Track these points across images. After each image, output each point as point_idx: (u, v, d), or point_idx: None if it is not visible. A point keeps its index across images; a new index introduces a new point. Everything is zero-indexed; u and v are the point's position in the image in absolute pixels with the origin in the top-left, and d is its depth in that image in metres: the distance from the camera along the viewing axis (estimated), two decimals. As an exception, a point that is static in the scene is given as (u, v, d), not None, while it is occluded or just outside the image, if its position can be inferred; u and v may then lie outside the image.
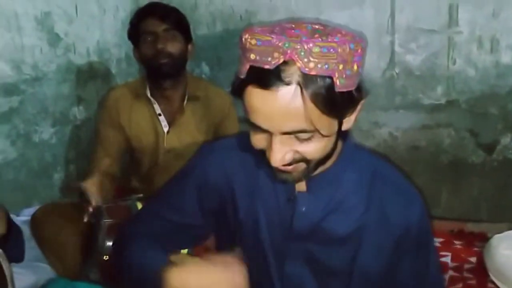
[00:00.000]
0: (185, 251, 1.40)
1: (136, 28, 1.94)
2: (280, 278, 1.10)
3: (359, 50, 0.88)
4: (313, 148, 0.91)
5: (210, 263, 0.95)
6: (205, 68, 2.84)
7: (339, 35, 0.87)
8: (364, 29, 2.34)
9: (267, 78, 0.85)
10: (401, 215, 1.04)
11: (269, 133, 0.90)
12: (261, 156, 0.98)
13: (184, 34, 1.95)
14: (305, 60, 0.83)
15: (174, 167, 1.25)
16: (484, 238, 1.99)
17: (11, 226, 1.16)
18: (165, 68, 1.90)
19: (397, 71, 2.42)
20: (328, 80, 0.85)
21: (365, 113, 2.47)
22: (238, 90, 0.91)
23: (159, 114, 1.99)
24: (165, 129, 1.99)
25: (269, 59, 0.84)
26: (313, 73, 0.84)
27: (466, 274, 1.87)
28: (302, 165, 0.94)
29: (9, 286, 1.08)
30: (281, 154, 0.90)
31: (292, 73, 0.84)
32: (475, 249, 2.01)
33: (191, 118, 2.00)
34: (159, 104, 1.99)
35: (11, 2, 2.08)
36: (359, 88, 0.92)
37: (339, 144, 1.02)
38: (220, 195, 1.11)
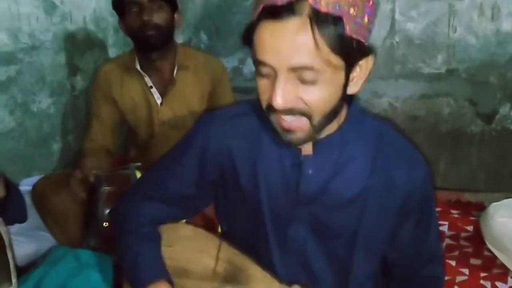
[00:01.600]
0: (183, 220, 1.41)
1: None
2: (280, 243, 1.11)
3: (371, 3, 0.90)
4: (317, 96, 0.91)
5: None
6: (204, 37, 2.82)
7: None
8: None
9: (279, 10, 0.86)
10: (406, 179, 1.05)
11: (275, 74, 0.90)
12: (265, 121, 0.99)
13: (170, 3, 1.90)
14: None
15: (171, 137, 1.26)
16: (481, 208, 2.00)
17: (10, 188, 1.17)
18: (152, 40, 1.86)
19: (397, 40, 2.40)
20: (339, 21, 0.86)
21: (365, 83, 2.48)
22: (250, 31, 0.92)
23: (151, 87, 1.97)
24: (158, 101, 1.98)
25: None
26: (324, 10, 0.85)
27: (462, 242, 1.90)
28: (306, 123, 0.94)
29: (7, 252, 1.09)
30: (284, 94, 0.90)
31: (304, 7, 0.86)
32: (472, 218, 2.02)
33: (183, 87, 1.97)
34: (150, 77, 1.96)
35: (6, -30, 2.05)
36: (370, 48, 0.93)
37: (345, 108, 1.03)
38: (221, 165, 1.12)
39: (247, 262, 1.13)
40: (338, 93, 0.94)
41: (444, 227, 1.98)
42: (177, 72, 1.96)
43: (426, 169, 1.08)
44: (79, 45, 2.42)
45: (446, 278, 1.60)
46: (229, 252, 1.14)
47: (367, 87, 2.41)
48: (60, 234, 1.75)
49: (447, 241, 1.90)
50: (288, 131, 0.95)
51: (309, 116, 0.93)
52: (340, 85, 0.93)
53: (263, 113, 0.99)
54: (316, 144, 1.04)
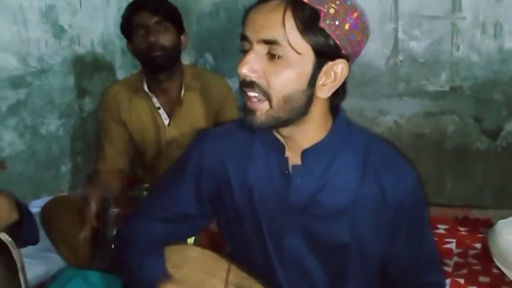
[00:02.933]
0: (191, 239, 1.42)
1: (128, 22, 1.93)
2: (278, 254, 1.12)
3: (355, 15, 0.97)
4: (279, 75, 0.96)
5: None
6: (209, 58, 2.85)
7: None
8: (368, 17, 2.35)
9: None
10: (396, 187, 1.06)
11: (250, 50, 0.97)
12: (257, 133, 1.07)
13: (176, 25, 1.94)
14: None
15: (177, 157, 1.27)
16: (489, 224, 1.99)
17: (22, 210, 1.18)
18: (159, 61, 1.89)
19: (401, 58, 2.42)
20: (315, 11, 0.94)
21: (369, 101, 2.51)
22: (243, 17, 1.00)
23: (158, 108, 2.00)
24: (166, 122, 2.00)
25: None
26: (305, 0, 0.95)
27: (471, 260, 1.89)
28: (266, 105, 0.98)
29: (20, 274, 1.10)
30: (250, 64, 0.96)
31: None
32: (480, 235, 2.02)
33: (190, 108, 2.00)
34: (157, 97, 2.00)
35: (17, -4, 2.10)
36: (345, 56, 0.98)
37: (330, 118, 1.07)
38: (216, 181, 1.15)
39: (256, 285, 1.14)
40: (300, 83, 0.98)
41: (452, 245, 1.97)
42: (184, 93, 1.99)
43: (414, 176, 1.10)
44: (87, 67, 2.46)
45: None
46: (238, 275, 1.15)
47: (372, 105, 2.48)
48: (69, 255, 1.76)
49: (455, 258, 1.90)
50: (251, 111, 1.00)
51: (268, 96, 0.98)
52: (305, 76, 0.98)
53: None
54: (304, 154, 1.06)
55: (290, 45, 0.94)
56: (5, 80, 2.07)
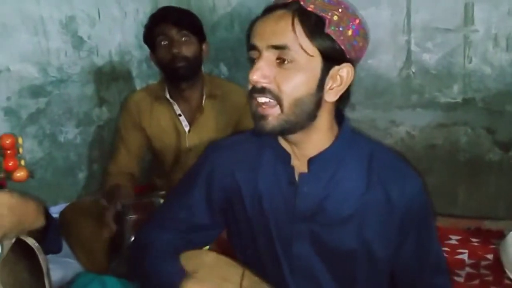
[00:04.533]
0: (206, 247, 1.45)
1: (151, 33, 1.98)
2: (288, 261, 1.15)
3: (357, 21, 1.02)
4: (289, 79, 1.00)
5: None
6: (224, 69, 2.89)
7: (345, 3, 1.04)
8: (380, 29, 2.38)
9: (271, 7, 1.03)
10: (401, 193, 1.09)
11: (260, 57, 1.01)
12: (263, 143, 1.12)
13: (198, 35, 1.99)
14: (309, 2, 1.00)
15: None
16: (502, 236, 1.99)
17: (49, 218, 1.21)
18: (181, 71, 1.94)
19: (413, 70, 2.44)
20: (321, 20, 1.00)
21: (382, 112, 2.53)
22: (248, 29, 1.05)
23: (179, 115, 2.04)
24: (186, 129, 2.05)
25: (280, 1, 1.03)
26: (309, 9, 1.00)
27: (483, 271, 1.88)
28: (277, 110, 1.01)
29: (45, 279, 1.13)
30: (261, 71, 1.00)
31: (293, 4, 1.01)
32: (492, 246, 2.02)
33: (210, 116, 2.05)
34: (179, 105, 2.04)
35: (37, 7, 2.16)
36: (350, 61, 1.03)
37: (335, 126, 1.11)
38: (227, 191, 1.18)
39: (270, 291, 1.17)
40: (310, 87, 1.01)
41: (464, 255, 1.97)
42: (205, 101, 2.03)
43: (419, 182, 1.12)
44: (105, 77, 2.51)
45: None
46: (252, 281, 1.17)
47: (384, 116, 2.49)
48: (86, 261, 1.79)
49: (467, 269, 1.90)
50: (262, 116, 1.03)
51: (279, 101, 1.01)
52: (314, 80, 1.01)
53: (263, 136, 1.09)
54: (310, 162, 1.09)
55: (301, 48, 0.99)
56: (26, 89, 2.13)
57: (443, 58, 2.38)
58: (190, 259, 1.18)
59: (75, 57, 2.34)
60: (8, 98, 2.07)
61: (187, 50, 1.93)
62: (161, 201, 1.68)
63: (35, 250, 1.11)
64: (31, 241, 1.11)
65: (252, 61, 1.04)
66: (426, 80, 2.43)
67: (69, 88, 2.32)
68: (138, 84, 2.67)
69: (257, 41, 1.01)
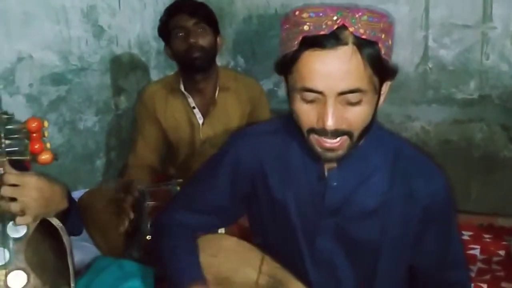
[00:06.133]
0: (222, 230, 1.48)
1: (167, 25, 2.00)
2: (310, 254, 1.17)
3: (392, 28, 1.00)
4: (360, 115, 0.99)
5: None
6: (240, 61, 2.92)
7: (378, 11, 0.99)
8: (398, 24, 2.36)
9: (325, 39, 0.94)
10: (425, 189, 1.10)
11: (321, 101, 0.97)
12: (292, 137, 1.10)
13: (213, 27, 2.01)
14: (356, 26, 0.94)
15: (210, 155, 1.34)
16: (514, 233, 2.02)
17: (71, 202, 1.25)
18: (198, 62, 1.96)
19: (430, 66, 2.45)
20: (374, 45, 0.95)
21: (397, 107, 2.53)
22: (290, 61, 0.98)
23: (193, 107, 2.06)
24: (200, 121, 2.07)
25: (323, 26, 0.94)
26: (364, 37, 0.95)
27: (494, 267, 1.90)
28: (346, 140, 1.01)
29: (68, 258, 1.16)
30: (335, 117, 0.97)
31: (347, 35, 0.94)
32: (504, 242, 2.03)
33: (224, 108, 2.07)
34: (193, 97, 2.06)
35: (60, -4, 2.20)
36: (395, 68, 1.02)
37: None
38: (252, 178, 1.19)
39: (288, 277, 1.19)
40: (373, 110, 1.02)
41: (476, 251, 1.99)
42: (218, 94, 2.06)
43: (443, 180, 1.13)
44: (123, 67, 2.55)
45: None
46: (271, 266, 1.20)
47: (400, 111, 2.50)
48: (103, 245, 1.83)
49: (479, 264, 1.92)
50: (330, 150, 1.02)
51: (350, 136, 1.01)
52: (375, 102, 1.02)
53: (292, 130, 1.08)
54: (340, 158, 1.10)
55: (368, 86, 0.97)
56: (47, 77, 2.17)
57: (460, 54, 2.39)
58: (210, 243, 1.22)
59: (95, 46, 2.37)
60: (30, 85, 2.11)
61: (203, 40, 1.96)
62: (178, 188, 1.72)
63: (60, 230, 1.15)
64: (55, 222, 1.15)
65: (303, 98, 0.99)
66: (442, 76, 2.43)
67: (89, 76, 2.35)
68: (156, 75, 2.70)
69: (322, 87, 0.96)
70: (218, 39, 2.04)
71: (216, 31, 2.03)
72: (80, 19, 2.29)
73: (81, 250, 1.86)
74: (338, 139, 1.00)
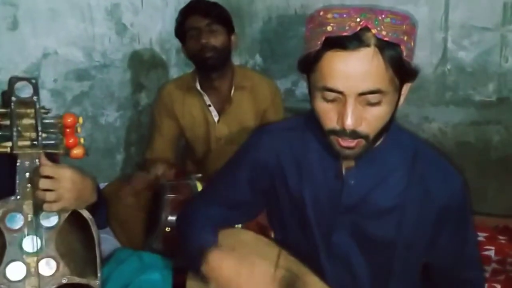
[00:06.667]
0: (238, 226, 1.51)
1: (182, 26, 2.06)
2: (326, 249, 1.19)
3: (415, 30, 1.01)
4: (379, 115, 1.01)
5: (246, 258, 1.12)
6: (259, 60, 2.94)
7: (401, 13, 1.00)
8: (418, 26, 2.39)
9: (348, 41, 0.96)
10: (442, 190, 1.12)
11: (341, 101, 0.99)
12: (312, 135, 1.12)
13: (226, 27, 2.04)
14: (379, 28, 0.95)
15: (226, 152, 1.38)
16: (529, 235, 2.02)
17: (100, 195, 1.29)
18: (210, 61, 2.01)
19: (448, 67, 2.45)
20: (396, 47, 0.97)
21: (415, 108, 2.55)
22: (313, 60, 1.00)
23: (209, 105, 2.11)
24: (215, 119, 2.12)
25: (346, 28, 0.96)
26: (386, 39, 0.96)
27: (509, 267, 1.91)
28: (362, 141, 1.03)
29: (96, 249, 1.21)
30: (355, 117, 0.99)
31: (370, 37, 0.96)
32: (519, 244, 2.05)
33: (239, 107, 2.11)
34: (209, 96, 2.11)
35: (85, -6, 2.25)
36: (416, 69, 1.03)
37: None
38: (271, 174, 1.22)
39: (305, 270, 1.21)
40: (393, 110, 1.04)
41: (491, 252, 2.00)
42: (234, 92, 2.10)
43: (460, 180, 1.14)
44: (144, 64, 2.60)
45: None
46: (288, 260, 1.23)
47: (417, 112, 2.51)
48: (124, 237, 1.88)
49: (493, 265, 1.93)
50: (347, 148, 1.04)
51: (367, 137, 1.02)
52: (395, 103, 1.04)
53: (312, 128, 1.11)
54: (358, 158, 1.11)
55: (389, 87, 0.98)
56: (71, 73, 2.23)
57: (479, 56, 2.39)
58: (229, 237, 1.25)
59: (118, 44, 2.43)
60: (55, 80, 2.16)
61: (216, 40, 2.00)
62: (197, 183, 1.76)
63: (89, 222, 1.20)
64: (86, 214, 1.20)
65: (324, 97, 1.01)
66: (461, 77, 2.44)
67: (111, 73, 2.41)
68: (176, 72, 2.74)
69: (343, 87, 0.97)
70: (232, 37, 2.08)
71: (230, 30, 2.07)
72: (104, 17, 2.34)
73: (102, 241, 1.90)
74: (355, 141, 1.02)
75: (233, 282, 1.11)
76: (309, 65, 1.03)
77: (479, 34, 2.36)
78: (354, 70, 0.96)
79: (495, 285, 1.77)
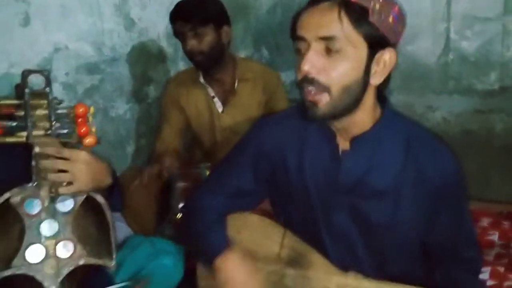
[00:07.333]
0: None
1: (173, 30, 2.07)
2: (327, 229, 1.25)
3: (396, 8, 1.08)
4: (338, 67, 1.07)
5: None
6: (265, 53, 2.99)
7: None
8: (421, 16, 2.43)
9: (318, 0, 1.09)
10: (437, 171, 1.16)
11: (308, 48, 1.07)
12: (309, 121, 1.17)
13: (213, 23, 2.00)
14: None
15: (232, 142, 1.43)
16: (533, 220, 2.06)
17: (116, 178, 1.33)
18: (201, 64, 2.04)
19: (451, 57, 2.48)
20: (364, 9, 1.06)
21: (419, 97, 2.58)
22: (293, 20, 1.11)
23: (213, 97, 2.16)
24: (220, 110, 2.17)
25: None
26: (353, 0, 1.06)
27: (512, 251, 1.96)
28: (326, 96, 1.08)
29: (111, 231, 1.25)
30: (311, 62, 1.07)
31: None
32: (522, 228, 2.08)
33: (243, 98, 2.15)
34: (212, 88, 2.16)
35: (94, -10, 2.30)
36: (392, 45, 1.09)
37: (378, 108, 1.18)
38: (273, 162, 1.28)
39: (308, 249, 1.27)
40: (357, 73, 1.08)
41: (494, 237, 2.04)
42: (237, 84, 2.14)
43: (454, 161, 1.18)
44: (152, 58, 2.64)
45: (494, 282, 1.69)
46: (292, 240, 1.29)
47: (421, 101, 2.55)
48: (136, 225, 1.92)
49: (497, 249, 1.97)
50: (312, 103, 1.10)
51: (328, 89, 1.08)
52: (360, 66, 1.08)
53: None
54: (353, 141, 1.18)
55: (347, 38, 1.05)
56: (83, 67, 2.27)
57: (481, 46, 2.42)
58: (235, 221, 1.31)
59: (127, 38, 2.47)
60: (67, 74, 2.21)
61: (201, 44, 1.99)
62: (207, 171, 1.82)
63: (103, 206, 1.24)
64: (99, 198, 1.24)
65: (298, 52, 1.10)
66: (463, 67, 2.47)
67: (121, 67, 2.45)
68: (183, 66, 2.77)
69: (305, 33, 1.08)
70: (223, 31, 2.04)
71: (219, 24, 2.02)
72: (112, 12, 2.38)
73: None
74: (316, 89, 1.08)
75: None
76: (293, 28, 1.12)
77: (481, 24, 2.39)
78: (313, 18, 1.07)
79: (498, 268, 1.81)
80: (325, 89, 1.08)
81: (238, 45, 2.85)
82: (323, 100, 1.09)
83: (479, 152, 2.49)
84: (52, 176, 1.18)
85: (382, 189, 1.18)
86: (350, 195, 1.20)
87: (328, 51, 1.06)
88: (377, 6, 1.06)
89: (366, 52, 1.08)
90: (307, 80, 1.08)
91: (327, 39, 1.05)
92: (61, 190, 1.18)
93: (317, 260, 1.26)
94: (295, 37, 1.10)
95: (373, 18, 1.05)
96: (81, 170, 1.18)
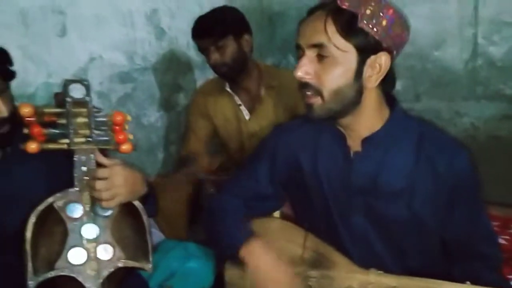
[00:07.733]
0: (277, 213, 1.60)
1: (196, 46, 2.12)
2: (347, 232, 1.27)
3: (391, 11, 1.11)
4: (328, 71, 1.12)
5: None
6: (291, 60, 3.02)
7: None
8: (447, 22, 2.44)
9: (313, 8, 1.15)
10: (450, 167, 1.18)
11: (302, 56, 1.13)
12: (322, 125, 1.23)
13: (233, 34, 2.01)
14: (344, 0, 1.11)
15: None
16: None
17: (149, 186, 1.38)
18: (226, 75, 2.09)
19: (479, 62, 2.48)
20: (354, 15, 1.09)
21: (446, 103, 2.58)
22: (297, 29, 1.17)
23: (240, 104, 2.20)
24: (247, 117, 2.21)
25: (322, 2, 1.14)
26: (343, 6, 1.10)
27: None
28: (319, 99, 1.15)
29: (147, 235, 1.30)
30: (304, 68, 1.14)
31: (330, 5, 1.12)
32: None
33: (269, 105, 2.18)
34: (239, 96, 2.19)
35: (126, 1, 2.36)
36: (386, 49, 1.12)
37: (386, 110, 1.21)
38: (289, 167, 1.33)
39: (330, 250, 1.30)
40: (348, 77, 1.13)
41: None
42: (263, 91, 2.17)
43: (467, 157, 1.20)
44: (182, 66, 2.70)
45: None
46: (314, 241, 1.31)
47: (449, 107, 2.56)
48: (168, 230, 1.97)
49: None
50: (309, 106, 1.17)
51: (320, 93, 1.14)
52: (351, 71, 1.13)
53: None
54: (364, 142, 1.21)
55: (334, 45, 1.10)
56: (116, 76, 2.34)
57: (509, 51, 2.41)
58: (257, 226, 1.34)
59: (158, 47, 2.53)
60: (101, 83, 2.28)
61: (224, 56, 2.02)
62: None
63: (140, 211, 1.30)
64: (137, 203, 1.30)
65: (299, 58, 1.16)
66: (491, 72, 2.47)
67: (152, 75, 2.52)
68: (212, 74, 2.80)
69: (300, 41, 1.15)
70: (245, 40, 2.05)
71: (239, 33, 2.03)
72: (144, 22, 2.45)
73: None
74: (310, 93, 1.15)
75: (263, 276, 1.21)
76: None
77: (509, 28, 2.38)
78: (307, 27, 1.14)
79: None
80: (318, 92, 1.14)
81: (265, 52, 2.89)
82: (317, 103, 1.15)
83: (507, 158, 2.47)
84: (94, 194, 1.23)
85: (396, 188, 1.21)
86: (365, 196, 1.23)
87: (320, 57, 1.12)
88: (368, 11, 1.09)
89: (356, 58, 1.12)
90: (302, 84, 1.15)
91: (317, 46, 1.12)
92: (104, 204, 1.24)
93: (339, 259, 1.28)
94: (295, 45, 1.17)
95: (362, 24, 1.09)
96: (119, 186, 1.23)
